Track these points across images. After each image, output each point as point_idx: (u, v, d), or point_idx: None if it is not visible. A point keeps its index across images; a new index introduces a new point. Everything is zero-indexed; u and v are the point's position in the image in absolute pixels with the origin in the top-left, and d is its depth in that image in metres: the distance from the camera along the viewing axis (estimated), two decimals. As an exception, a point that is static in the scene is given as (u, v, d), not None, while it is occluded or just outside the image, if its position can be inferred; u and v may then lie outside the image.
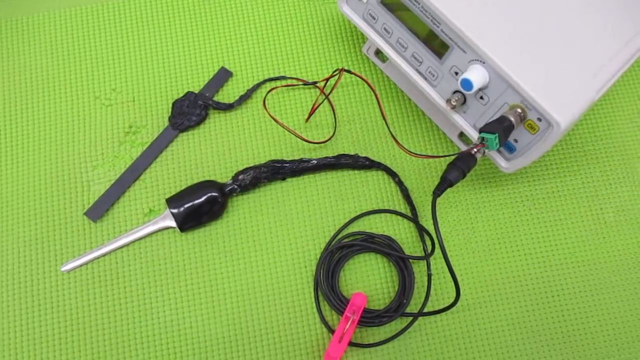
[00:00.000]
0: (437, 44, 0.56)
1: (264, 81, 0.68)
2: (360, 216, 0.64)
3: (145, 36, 0.70)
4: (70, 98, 0.67)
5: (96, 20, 0.70)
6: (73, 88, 0.68)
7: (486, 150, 0.55)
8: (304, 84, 0.68)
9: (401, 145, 0.59)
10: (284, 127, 0.65)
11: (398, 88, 0.69)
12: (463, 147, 0.67)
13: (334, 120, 0.67)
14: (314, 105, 0.67)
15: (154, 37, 0.70)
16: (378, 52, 0.70)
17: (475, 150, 0.54)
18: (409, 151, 0.58)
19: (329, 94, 0.66)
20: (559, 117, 0.50)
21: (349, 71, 0.62)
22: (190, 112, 0.66)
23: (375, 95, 0.61)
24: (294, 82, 0.69)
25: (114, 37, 0.70)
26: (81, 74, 0.68)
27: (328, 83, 0.67)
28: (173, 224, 0.61)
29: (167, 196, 0.63)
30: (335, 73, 0.63)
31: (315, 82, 0.67)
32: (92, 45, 0.69)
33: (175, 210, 0.60)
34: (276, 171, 0.63)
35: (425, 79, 0.60)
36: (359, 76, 0.61)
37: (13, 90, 0.67)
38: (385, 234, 0.63)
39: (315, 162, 0.64)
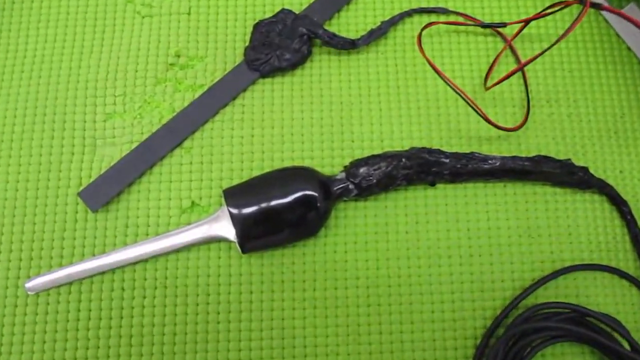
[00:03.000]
0: None
1: (411, 12, 0.40)
2: (559, 272, 0.35)
3: None
4: (86, -3, 0.40)
5: None
6: (93, -19, 0.40)
7: None
8: (481, 26, 0.39)
9: None
10: (456, 90, 0.37)
11: (632, 54, 0.40)
12: None
13: (525, 95, 0.39)
14: (492, 64, 0.39)
15: None
16: (611, -10, 0.41)
17: None
18: None
19: (541, 54, 0.37)
20: None
21: (597, 5, 0.33)
22: (282, 44, 0.38)
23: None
24: (461, 19, 0.40)
25: None
26: (109, -41, 0.41)
27: (526, 29, 0.38)
28: (231, 235, 0.34)
29: (227, 185, 0.36)
30: (557, 8, 0.35)
31: (500, 25, 0.39)
32: None
33: (236, 211, 0.33)
34: (426, 169, 0.35)
35: None
36: (622, 15, 0.32)
37: (-7, -31, 0.40)
38: (606, 311, 0.35)
39: (498, 162, 0.35)
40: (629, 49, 0.40)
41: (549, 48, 0.32)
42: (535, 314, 0.34)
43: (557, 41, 0.32)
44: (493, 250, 0.36)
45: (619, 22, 0.40)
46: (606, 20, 0.41)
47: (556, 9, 0.35)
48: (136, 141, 0.37)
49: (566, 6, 0.35)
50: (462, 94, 0.35)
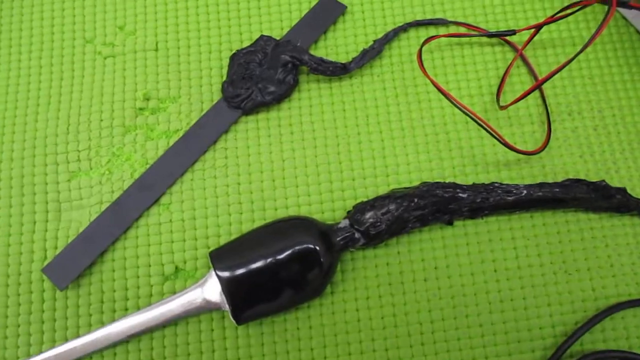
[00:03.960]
0: None
1: (406, 26, 0.35)
2: (605, 313, 0.31)
3: None
4: (40, 41, 0.35)
5: None
6: (45, 24, 0.36)
7: None
8: (487, 36, 0.34)
9: None
10: (465, 112, 0.32)
11: (658, 54, 0.36)
12: None
13: (544, 109, 0.34)
14: (503, 77, 0.34)
15: None
16: (627, -17, 0.36)
17: None
18: None
19: (563, 67, 0.33)
20: None
21: (623, 4, 0.28)
22: (264, 75, 0.33)
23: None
24: (464, 30, 0.36)
25: None
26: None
27: (537, 35, 0.34)
28: (223, 303, 0.29)
29: (214, 244, 0.31)
30: (575, 9, 0.30)
31: (509, 33, 0.34)
32: (86, -56, 0.37)
33: (226, 276, 0.28)
34: (442, 207, 0.30)
35: None
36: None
37: None
38: (664, 354, 0.30)
39: (524, 193, 0.31)
40: (653, 47, 0.36)
41: (573, 58, 0.28)
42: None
43: (582, 49, 0.27)
44: (526, 293, 0.31)
45: (636, 16, 0.36)
46: (624, 18, 0.36)
47: (569, 11, 0.31)
48: (106, 201, 0.32)
49: (585, 6, 0.30)
50: (472, 116, 0.31)
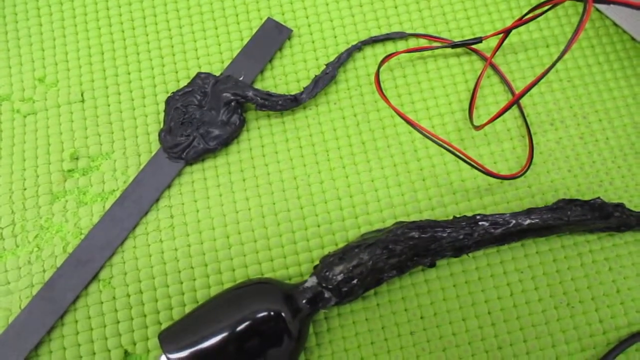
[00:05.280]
0: None
1: (360, 45, 0.32)
2: (618, 348, 0.27)
3: (104, -35, 0.33)
4: (-47, 101, 0.31)
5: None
6: (-43, 80, 0.32)
7: None
8: (451, 46, 0.31)
9: None
10: (434, 140, 0.29)
11: (639, 45, 0.32)
12: None
13: (523, 121, 0.31)
14: (474, 91, 0.31)
15: (123, -35, 0.33)
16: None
17: None
18: None
19: (541, 77, 0.30)
20: None
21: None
22: (205, 118, 0.29)
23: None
24: (425, 42, 0.32)
25: (38, -30, 0.33)
26: (-26, 49, 0.32)
27: (505, 39, 0.30)
28: (181, 392, 0.25)
29: (165, 319, 0.27)
30: (545, 9, 0.27)
31: (475, 41, 0.31)
32: (-6, -11, 0.33)
33: (179, 357, 0.24)
34: (421, 251, 0.26)
35: None
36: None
37: None
38: (689, 388, 0.27)
39: (512, 223, 0.27)
40: (633, 39, 0.33)
41: (550, 68, 0.24)
42: (602, 415, 0.25)
43: (560, 57, 0.24)
44: (527, 335, 0.27)
45: (615, 8, 0.33)
46: (598, 10, 0.33)
47: (538, 12, 0.27)
48: (38, 283, 0.28)
49: (555, 5, 0.27)
50: (443, 144, 0.27)
